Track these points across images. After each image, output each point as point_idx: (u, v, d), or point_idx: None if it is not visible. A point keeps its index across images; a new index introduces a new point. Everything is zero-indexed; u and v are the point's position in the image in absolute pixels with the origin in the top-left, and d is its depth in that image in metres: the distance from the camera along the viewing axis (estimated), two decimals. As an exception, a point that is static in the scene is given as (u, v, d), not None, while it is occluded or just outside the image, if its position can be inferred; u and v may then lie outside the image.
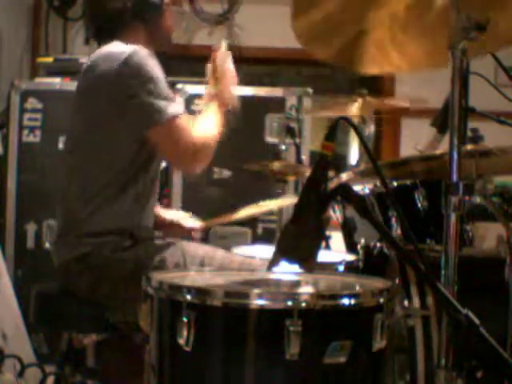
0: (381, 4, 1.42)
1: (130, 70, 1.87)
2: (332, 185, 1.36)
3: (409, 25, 1.44)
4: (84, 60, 3.19)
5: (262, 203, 2.37)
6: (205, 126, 1.98)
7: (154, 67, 1.89)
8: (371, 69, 1.62)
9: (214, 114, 2.01)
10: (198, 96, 3.25)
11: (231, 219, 2.32)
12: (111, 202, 1.92)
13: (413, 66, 1.56)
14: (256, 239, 3.22)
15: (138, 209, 1.96)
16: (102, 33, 2.07)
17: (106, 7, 2.02)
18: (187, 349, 1.15)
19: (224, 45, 2.15)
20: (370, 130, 2.75)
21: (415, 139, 2.15)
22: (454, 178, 1.27)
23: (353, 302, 1.17)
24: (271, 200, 2.42)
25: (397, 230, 1.83)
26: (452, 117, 1.28)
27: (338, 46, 1.53)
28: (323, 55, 1.55)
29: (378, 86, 4.53)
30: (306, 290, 1.35)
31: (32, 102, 3.26)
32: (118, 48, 1.94)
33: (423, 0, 1.42)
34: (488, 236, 1.74)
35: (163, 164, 2.46)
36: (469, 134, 1.90)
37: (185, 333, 1.14)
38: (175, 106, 1.90)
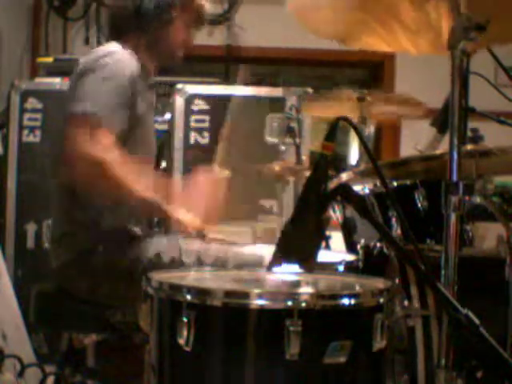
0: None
1: (95, 63, 1.87)
2: (332, 185, 1.36)
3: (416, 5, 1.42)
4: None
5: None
6: (135, 173, 1.77)
7: (122, 71, 1.87)
8: (374, 46, 1.60)
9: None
10: (198, 96, 3.29)
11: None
12: (104, 200, 1.91)
13: (418, 48, 1.55)
14: (256, 239, 3.21)
15: (134, 207, 1.96)
16: (111, 34, 2.09)
17: (113, 10, 2.08)
18: (187, 349, 1.15)
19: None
20: (370, 130, 2.75)
21: (415, 139, 2.15)
22: (454, 177, 1.27)
23: (353, 302, 1.17)
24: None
25: (397, 230, 1.83)
26: (452, 117, 1.28)
27: (341, 21, 1.51)
28: (325, 31, 1.53)
29: (377, 86, 4.54)
30: (306, 290, 1.35)
31: (32, 102, 3.26)
32: (102, 48, 1.98)
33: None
34: (488, 236, 1.74)
35: (163, 164, 2.46)
36: (469, 134, 1.90)
37: (185, 333, 1.14)
38: (106, 109, 1.78)
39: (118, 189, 1.75)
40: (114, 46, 1.97)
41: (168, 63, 2.13)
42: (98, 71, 1.85)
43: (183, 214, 1.83)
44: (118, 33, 2.07)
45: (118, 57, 1.91)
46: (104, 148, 1.74)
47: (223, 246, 1.99)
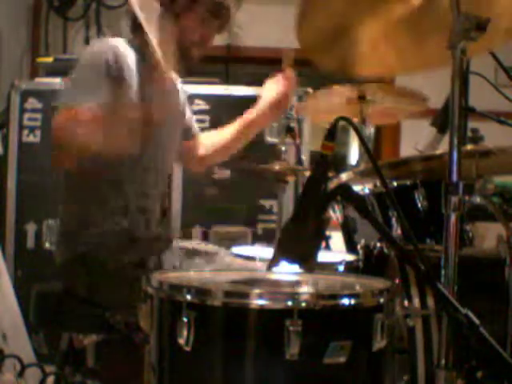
0: (378, 7, 1.42)
1: (89, 56, 1.88)
2: (332, 185, 1.36)
3: (405, 27, 1.45)
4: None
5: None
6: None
7: (88, 56, 1.87)
8: (368, 72, 1.63)
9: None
10: (198, 96, 3.28)
11: None
12: (110, 201, 1.92)
13: (408, 68, 1.57)
14: (256, 239, 3.22)
15: (138, 209, 1.97)
16: (129, 29, 2.07)
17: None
18: (187, 349, 1.15)
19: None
20: (370, 130, 2.74)
21: (415, 139, 2.15)
22: (454, 178, 1.27)
23: (353, 302, 1.17)
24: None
25: (397, 230, 1.83)
26: (452, 117, 1.28)
27: (338, 53, 1.53)
28: (325, 64, 1.55)
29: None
30: (306, 290, 1.35)
31: (32, 102, 3.26)
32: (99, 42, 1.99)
33: (421, 5, 1.42)
34: (488, 236, 1.74)
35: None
36: (469, 134, 1.90)
37: (185, 333, 1.14)
38: (73, 97, 1.77)
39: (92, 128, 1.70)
40: (100, 40, 1.97)
41: (184, 62, 2.07)
42: (76, 66, 1.87)
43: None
44: (131, 29, 2.04)
45: (94, 47, 1.91)
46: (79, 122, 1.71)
47: (227, 256, 2.00)
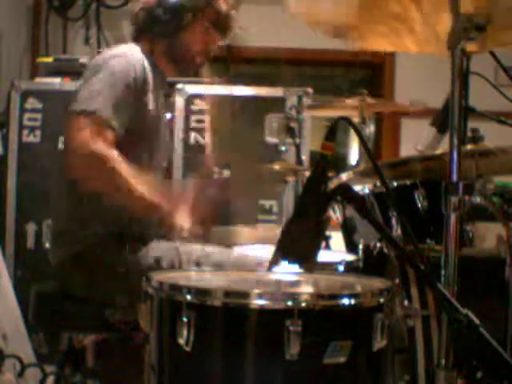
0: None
1: (103, 63, 1.88)
2: (332, 185, 1.36)
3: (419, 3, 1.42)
4: (84, 60, 3.23)
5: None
6: (129, 174, 1.78)
7: (120, 68, 1.86)
8: (377, 45, 1.60)
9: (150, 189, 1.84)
10: (198, 96, 3.28)
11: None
12: (103, 200, 1.92)
13: (421, 47, 1.54)
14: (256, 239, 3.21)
15: (132, 207, 1.96)
16: (132, 35, 2.10)
17: (137, 12, 2.06)
18: (187, 349, 1.15)
19: None
20: (370, 130, 2.75)
21: (415, 139, 2.15)
22: (454, 177, 1.27)
23: (353, 302, 1.17)
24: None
25: (397, 230, 1.83)
26: (452, 117, 1.28)
27: (342, 19, 1.51)
28: (325, 28, 1.52)
29: (377, 86, 4.53)
30: (306, 290, 1.35)
31: (32, 102, 3.26)
32: (114, 50, 1.98)
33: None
34: (488, 236, 1.74)
35: (163, 164, 2.45)
36: (469, 134, 1.90)
37: (185, 333, 1.14)
38: (104, 109, 1.79)
39: (118, 185, 1.78)
40: (125, 47, 1.96)
41: (188, 70, 2.11)
42: (103, 71, 1.86)
43: (181, 218, 1.84)
44: (137, 35, 2.07)
45: (126, 58, 1.91)
46: (104, 145, 1.77)
47: (223, 250, 1.99)
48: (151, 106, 1.96)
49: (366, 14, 1.47)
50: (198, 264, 1.87)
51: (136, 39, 2.08)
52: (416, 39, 1.52)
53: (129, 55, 1.92)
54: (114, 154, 1.78)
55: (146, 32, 2.05)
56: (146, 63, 1.96)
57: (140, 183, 1.80)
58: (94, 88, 1.83)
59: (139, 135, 1.93)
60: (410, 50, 1.56)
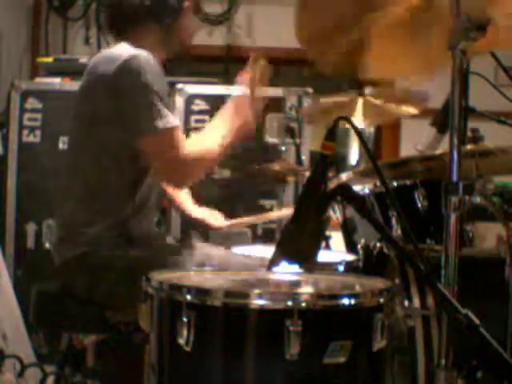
0: (380, 8, 1.41)
1: (128, 73, 1.83)
2: (332, 185, 1.36)
3: (409, 29, 1.44)
4: (84, 60, 3.23)
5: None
6: (203, 139, 1.94)
7: (155, 75, 1.84)
8: (373, 74, 1.62)
9: (223, 125, 1.95)
10: (198, 96, 3.28)
11: (258, 220, 2.32)
12: (110, 202, 1.92)
13: (415, 71, 1.56)
14: (256, 239, 3.21)
15: (136, 210, 1.96)
16: (117, 30, 2.04)
17: (123, 3, 1.98)
18: (187, 349, 1.15)
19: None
20: (370, 130, 2.74)
21: (415, 139, 2.15)
22: (454, 178, 1.27)
23: (353, 301, 1.17)
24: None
25: (397, 230, 1.83)
26: (452, 117, 1.28)
27: (339, 54, 1.52)
28: (325, 67, 1.54)
29: (377, 85, 4.53)
30: (306, 290, 1.35)
31: (32, 102, 3.26)
32: (119, 50, 1.91)
33: (423, 4, 1.41)
34: (488, 236, 1.74)
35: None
36: (469, 134, 1.90)
37: (185, 333, 1.14)
38: (168, 118, 1.83)
39: (213, 157, 1.93)
40: (129, 49, 1.89)
41: (177, 55, 2.10)
42: (128, 79, 1.83)
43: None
44: (125, 28, 2.01)
45: (148, 62, 1.85)
46: (179, 147, 1.85)
47: (226, 253, 1.99)
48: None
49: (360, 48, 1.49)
50: (200, 265, 1.87)
51: (120, 35, 2.01)
52: (409, 65, 1.54)
53: (147, 59, 1.86)
54: (189, 153, 1.86)
55: (138, 22, 1.98)
56: (156, 61, 1.94)
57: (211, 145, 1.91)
58: (145, 103, 1.82)
59: None
60: (405, 75, 1.59)
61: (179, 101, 3.26)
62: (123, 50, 1.90)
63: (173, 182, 2.03)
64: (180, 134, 1.87)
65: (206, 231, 2.83)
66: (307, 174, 2.43)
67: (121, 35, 2.01)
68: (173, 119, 1.86)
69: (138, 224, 1.98)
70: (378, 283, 1.30)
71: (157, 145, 1.84)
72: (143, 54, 1.86)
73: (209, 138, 1.94)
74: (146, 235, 2.00)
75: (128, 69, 1.83)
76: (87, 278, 1.90)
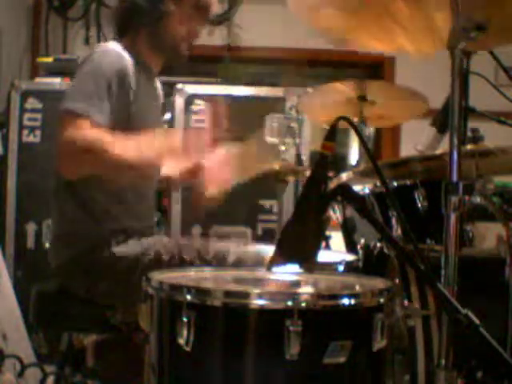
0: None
1: (85, 61, 1.90)
2: (332, 185, 1.36)
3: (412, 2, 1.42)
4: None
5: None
6: (123, 144, 1.80)
7: (108, 65, 1.86)
8: (372, 46, 1.60)
9: (164, 145, 1.88)
10: (198, 96, 3.28)
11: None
12: (102, 200, 1.92)
13: (416, 46, 1.54)
14: (256, 239, 3.22)
15: (131, 207, 1.97)
16: (117, 30, 2.10)
17: (117, 6, 2.08)
18: (187, 349, 1.15)
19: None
20: (370, 130, 2.74)
21: (415, 139, 2.15)
22: (454, 177, 1.27)
23: (353, 301, 1.17)
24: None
25: (397, 230, 1.83)
26: (452, 117, 1.28)
27: (339, 22, 1.50)
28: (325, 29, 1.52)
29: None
30: (306, 290, 1.35)
31: (32, 102, 3.26)
32: (100, 46, 2.00)
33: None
34: (488, 236, 1.74)
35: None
36: (469, 134, 1.90)
37: (185, 333, 1.14)
38: (92, 108, 1.79)
39: (114, 165, 1.79)
40: (109, 44, 1.98)
41: (173, 59, 2.11)
42: (83, 67, 1.88)
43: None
44: (119, 31, 2.08)
45: (105, 53, 1.91)
46: (86, 134, 1.76)
47: (221, 244, 2.00)
48: (138, 100, 1.95)
49: (360, 15, 1.47)
50: (198, 256, 1.88)
51: (118, 36, 2.08)
52: (411, 38, 1.52)
53: (110, 51, 1.93)
54: (95, 137, 1.76)
55: (128, 26, 2.05)
56: (128, 57, 1.95)
57: (131, 149, 1.80)
58: (75, 84, 1.87)
59: (126, 130, 1.90)
60: (405, 49, 1.56)
61: (179, 101, 3.26)
62: (103, 45, 1.96)
63: (59, 165, 1.88)
64: (89, 125, 1.78)
65: (206, 230, 2.83)
66: (307, 173, 2.43)
67: (116, 36, 2.08)
68: (97, 112, 1.81)
69: (134, 221, 1.98)
70: (378, 283, 1.30)
71: (62, 122, 1.81)
72: (110, 48, 1.93)
73: (136, 144, 1.83)
74: (142, 231, 2.00)
75: (88, 58, 1.90)
76: (85, 278, 1.90)
